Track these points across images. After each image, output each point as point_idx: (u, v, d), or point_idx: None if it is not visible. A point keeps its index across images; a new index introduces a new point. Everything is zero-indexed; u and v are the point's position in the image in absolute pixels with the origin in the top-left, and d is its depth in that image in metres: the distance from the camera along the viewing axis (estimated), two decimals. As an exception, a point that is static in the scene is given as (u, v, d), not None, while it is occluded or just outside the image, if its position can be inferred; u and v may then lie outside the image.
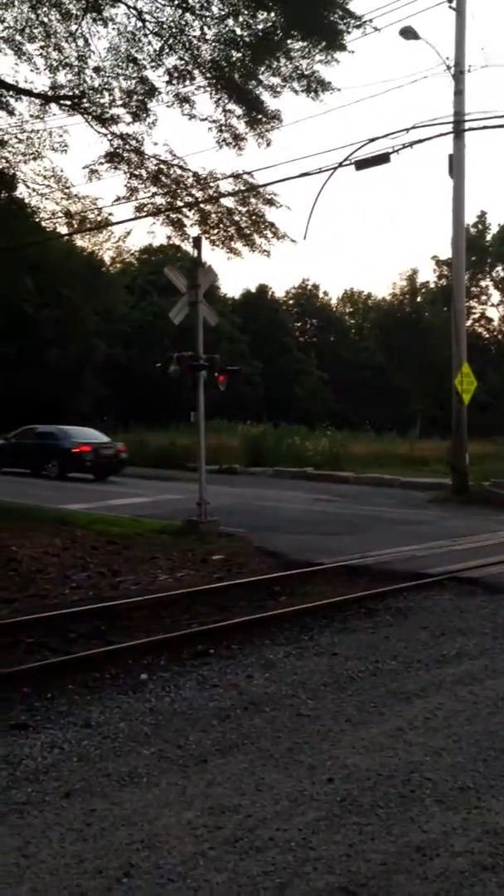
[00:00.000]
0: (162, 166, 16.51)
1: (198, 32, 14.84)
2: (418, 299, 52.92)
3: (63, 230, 20.71)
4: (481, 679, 6.58)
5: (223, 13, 14.60)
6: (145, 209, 16.96)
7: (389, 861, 3.86)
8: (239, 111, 15.60)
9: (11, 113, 16.37)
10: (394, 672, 6.75)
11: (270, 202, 16.33)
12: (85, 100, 16.02)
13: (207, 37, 14.85)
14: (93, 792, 4.57)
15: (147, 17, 14.91)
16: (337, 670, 6.78)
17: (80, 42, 15.17)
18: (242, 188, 16.45)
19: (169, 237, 18.77)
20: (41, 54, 15.32)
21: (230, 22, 14.65)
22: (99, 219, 19.14)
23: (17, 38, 15.25)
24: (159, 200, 16.97)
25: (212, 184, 16.55)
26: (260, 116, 15.56)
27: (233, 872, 3.75)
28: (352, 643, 7.60)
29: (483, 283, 54.92)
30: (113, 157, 16.32)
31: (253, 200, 16.42)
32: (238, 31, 14.69)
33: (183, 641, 7.51)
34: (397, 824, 4.22)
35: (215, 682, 6.47)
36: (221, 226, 16.63)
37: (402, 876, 3.73)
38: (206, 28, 14.78)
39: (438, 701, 6.05)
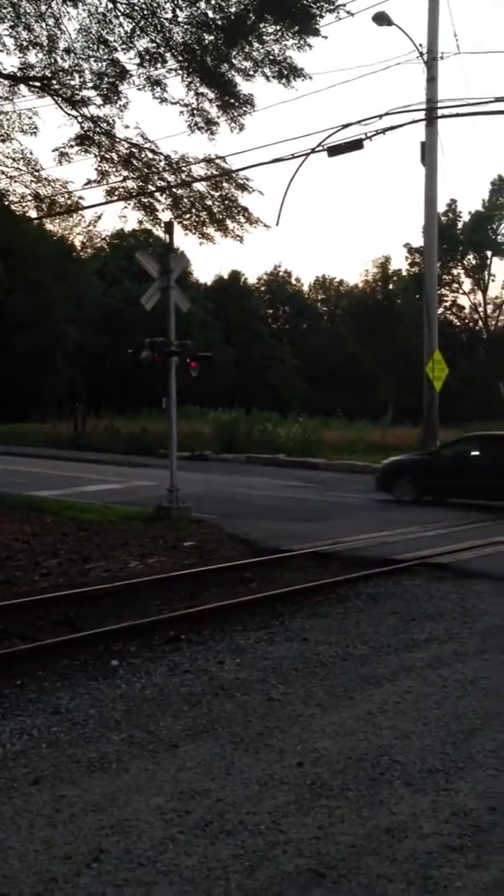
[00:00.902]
0: (133, 150, 16.36)
1: (170, 15, 14.68)
2: (390, 287, 53.02)
3: (33, 214, 20.48)
4: (450, 663, 6.63)
5: (196, -5, 14.46)
6: (116, 193, 16.80)
7: (359, 843, 3.88)
8: (211, 95, 15.49)
9: (-21, 94, 16.14)
10: (364, 657, 6.79)
11: (243, 187, 16.25)
12: (55, 81, 15.80)
13: (179, 19, 14.69)
14: (62, 778, 4.55)
15: (118, -3, 14.73)
16: (307, 655, 6.80)
17: (51, 22, 14.95)
18: (215, 173, 16.35)
19: (140, 222, 18.57)
20: (10, 34, 15.10)
21: (202, 4, 14.51)
22: (69, 202, 18.91)
23: (-14, 18, 15.00)
24: (131, 184, 16.83)
25: (184, 168, 16.43)
26: (232, 101, 15.45)
27: (202, 856, 3.76)
28: (322, 628, 7.63)
29: (455, 271, 55.19)
30: (83, 140, 16.14)
31: (225, 185, 16.33)
32: (210, 14, 14.56)
33: (154, 627, 7.50)
34: (367, 807, 4.25)
35: (186, 668, 6.46)
36: (194, 210, 16.53)
37: (371, 858, 3.76)
38: (178, 10, 14.62)
39: (408, 685, 6.10)
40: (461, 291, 56.37)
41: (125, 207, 17.44)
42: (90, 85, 15.70)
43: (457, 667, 6.54)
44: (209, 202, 16.48)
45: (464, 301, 56.69)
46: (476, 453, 16.82)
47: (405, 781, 4.53)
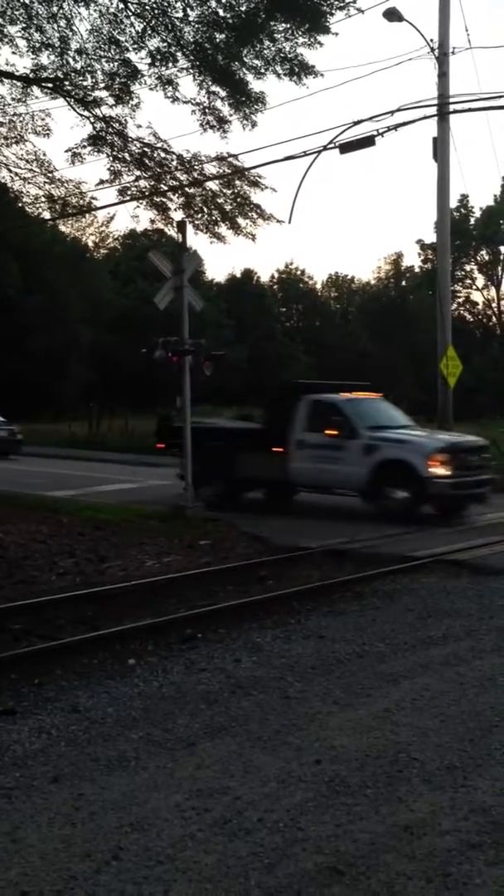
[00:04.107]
0: (146, 149, 16.39)
1: (180, 14, 14.71)
2: (403, 283, 52.95)
3: (46, 215, 20.52)
4: (467, 660, 6.62)
5: (206, -6, 14.48)
6: (129, 193, 16.84)
7: (377, 841, 3.88)
8: (223, 93, 15.50)
9: (-8, 96, 16.23)
10: (381, 654, 6.78)
11: (255, 184, 16.25)
12: (67, 82, 15.87)
13: (190, 18, 14.73)
14: (81, 776, 4.57)
15: (129, -3, 14.77)
16: (324, 653, 6.80)
17: (62, 23, 15.01)
18: (227, 171, 16.36)
19: (153, 221, 18.59)
20: (23, 36, 15.17)
21: (213, 3, 14.53)
22: (82, 203, 18.94)
23: (-1, 20, 15.09)
24: (143, 184, 16.87)
25: (196, 167, 16.46)
26: (244, 99, 15.45)
27: (221, 854, 3.77)
28: (339, 626, 7.63)
29: (468, 267, 55.11)
30: (96, 141, 16.19)
31: (238, 183, 16.34)
32: (221, 13, 14.57)
33: (170, 626, 7.51)
34: (385, 804, 4.24)
35: (203, 667, 6.48)
36: (206, 209, 16.54)
37: (390, 855, 3.76)
38: (188, 9, 14.65)
39: (425, 682, 6.08)
40: (474, 287, 56.29)
41: (137, 207, 17.48)
42: (102, 85, 15.77)
43: (474, 663, 6.53)
44: (221, 200, 16.49)
45: (477, 297, 56.60)
46: None
47: (423, 779, 4.53)
